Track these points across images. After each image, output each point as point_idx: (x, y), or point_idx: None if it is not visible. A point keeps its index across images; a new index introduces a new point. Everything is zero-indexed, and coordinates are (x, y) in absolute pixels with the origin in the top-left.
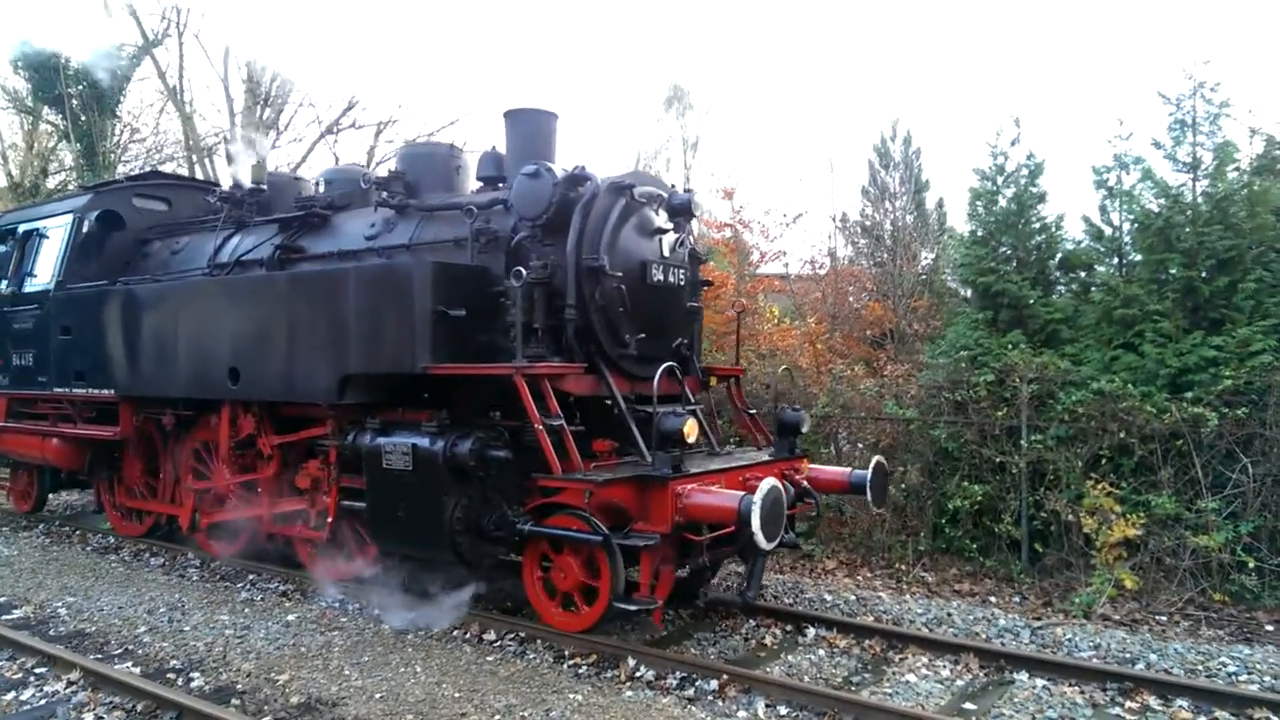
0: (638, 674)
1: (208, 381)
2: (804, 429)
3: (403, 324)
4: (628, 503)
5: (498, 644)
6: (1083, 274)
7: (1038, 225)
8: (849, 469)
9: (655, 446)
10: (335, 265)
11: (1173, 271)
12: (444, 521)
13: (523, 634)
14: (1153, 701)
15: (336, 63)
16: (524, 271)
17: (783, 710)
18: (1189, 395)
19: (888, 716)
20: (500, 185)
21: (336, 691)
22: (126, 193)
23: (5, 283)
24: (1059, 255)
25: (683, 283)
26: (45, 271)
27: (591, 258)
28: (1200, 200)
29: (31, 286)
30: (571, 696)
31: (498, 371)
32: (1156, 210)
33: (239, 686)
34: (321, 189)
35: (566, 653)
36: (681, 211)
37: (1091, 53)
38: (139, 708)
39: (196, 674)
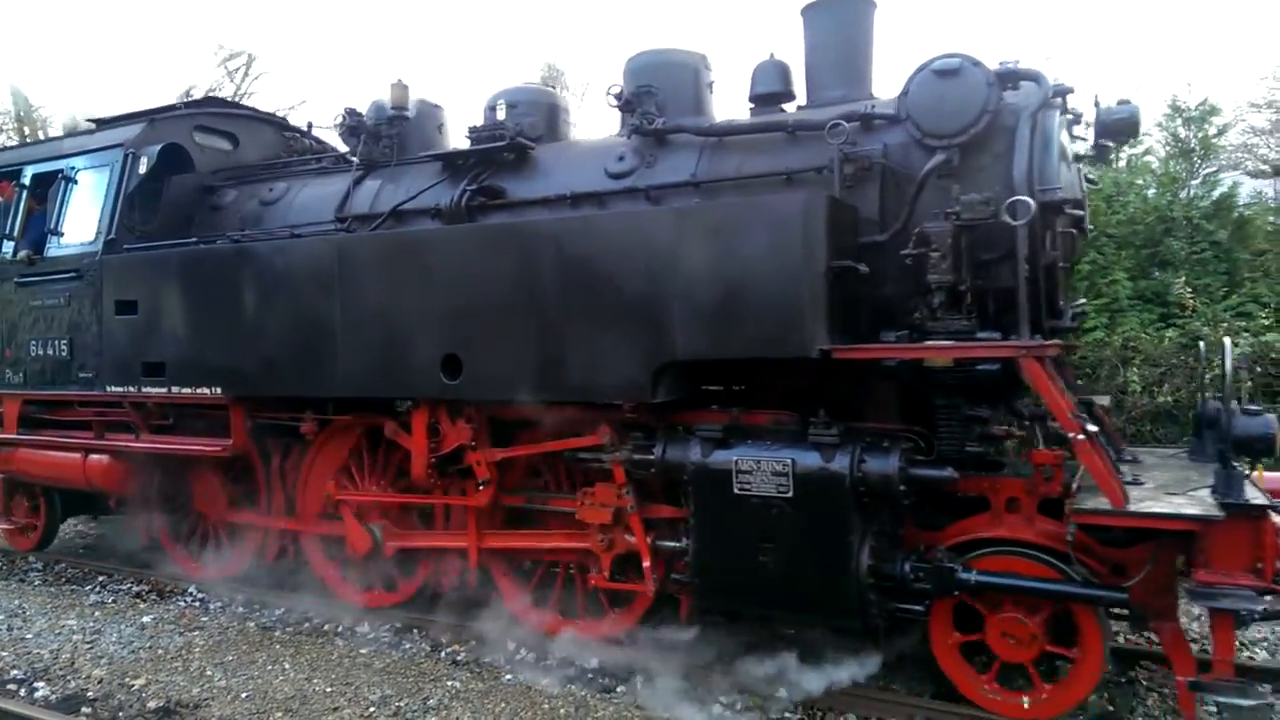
0: (518, 657)
1: (401, 376)
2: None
3: (783, 287)
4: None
5: (372, 636)
6: None
7: None
8: None
9: (1226, 457)
10: (566, 212)
11: None
12: (850, 573)
13: (398, 624)
14: None
15: None
16: (955, 210)
17: None
18: None
19: None
20: (782, 107)
21: (198, 693)
22: (186, 123)
23: (8, 245)
24: None
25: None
26: (82, 228)
27: (1049, 190)
28: None
29: (60, 249)
30: (450, 684)
31: (997, 353)
32: None
33: (89, 694)
34: (502, 114)
35: (443, 640)
36: (1123, 131)
37: None
38: None
39: (41, 683)
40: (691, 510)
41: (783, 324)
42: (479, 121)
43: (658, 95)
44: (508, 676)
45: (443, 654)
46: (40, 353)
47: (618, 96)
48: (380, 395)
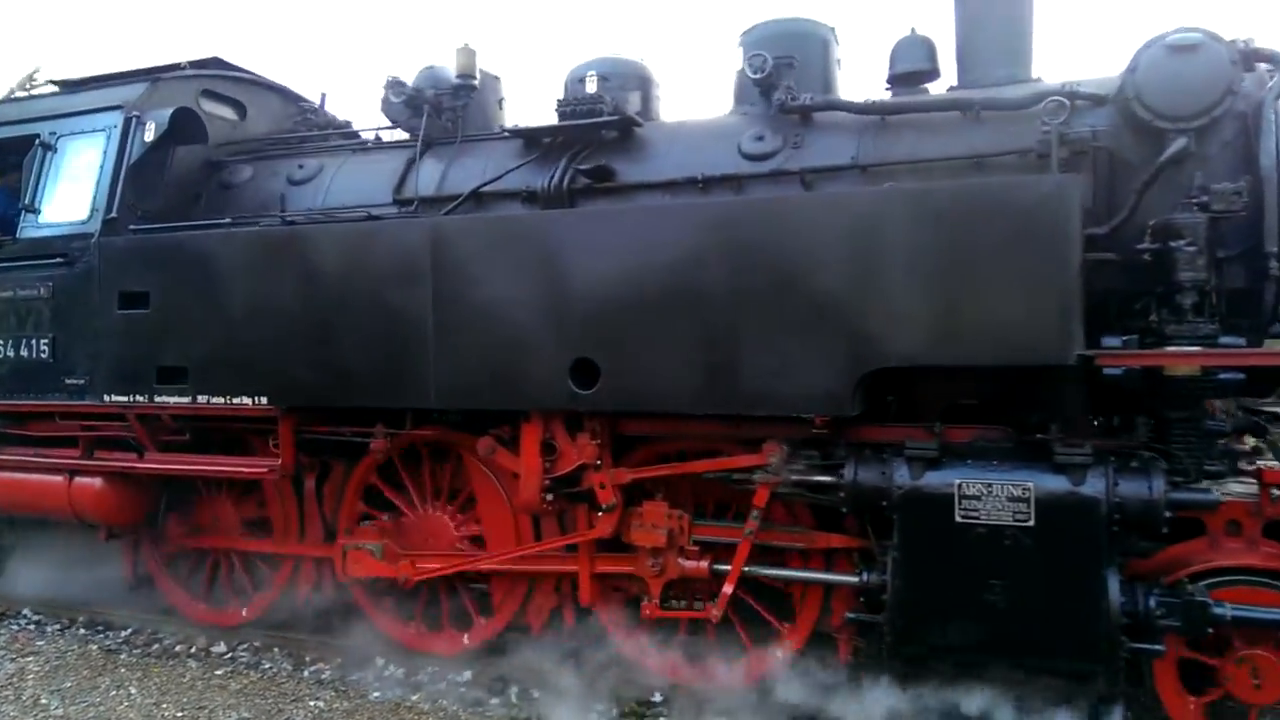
0: (386, 673)
1: (517, 385)
2: None
3: (1032, 283)
4: None
5: (228, 656)
6: None
7: None
8: None
9: None
10: (695, 197)
11: None
12: (1101, 613)
13: (257, 644)
14: None
15: None
16: (1203, 200)
17: None
18: None
19: None
20: (923, 86)
21: None
22: (192, 86)
23: None
24: None
25: None
26: (68, 205)
27: None
28: None
29: (38, 229)
30: (313, 704)
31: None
32: None
33: None
34: (593, 86)
35: (307, 658)
36: None
37: None
38: None
39: None
40: (895, 541)
41: (1031, 326)
42: None
43: (796, 69)
44: (375, 694)
45: (305, 673)
46: (8, 354)
47: (758, 69)
48: (488, 407)
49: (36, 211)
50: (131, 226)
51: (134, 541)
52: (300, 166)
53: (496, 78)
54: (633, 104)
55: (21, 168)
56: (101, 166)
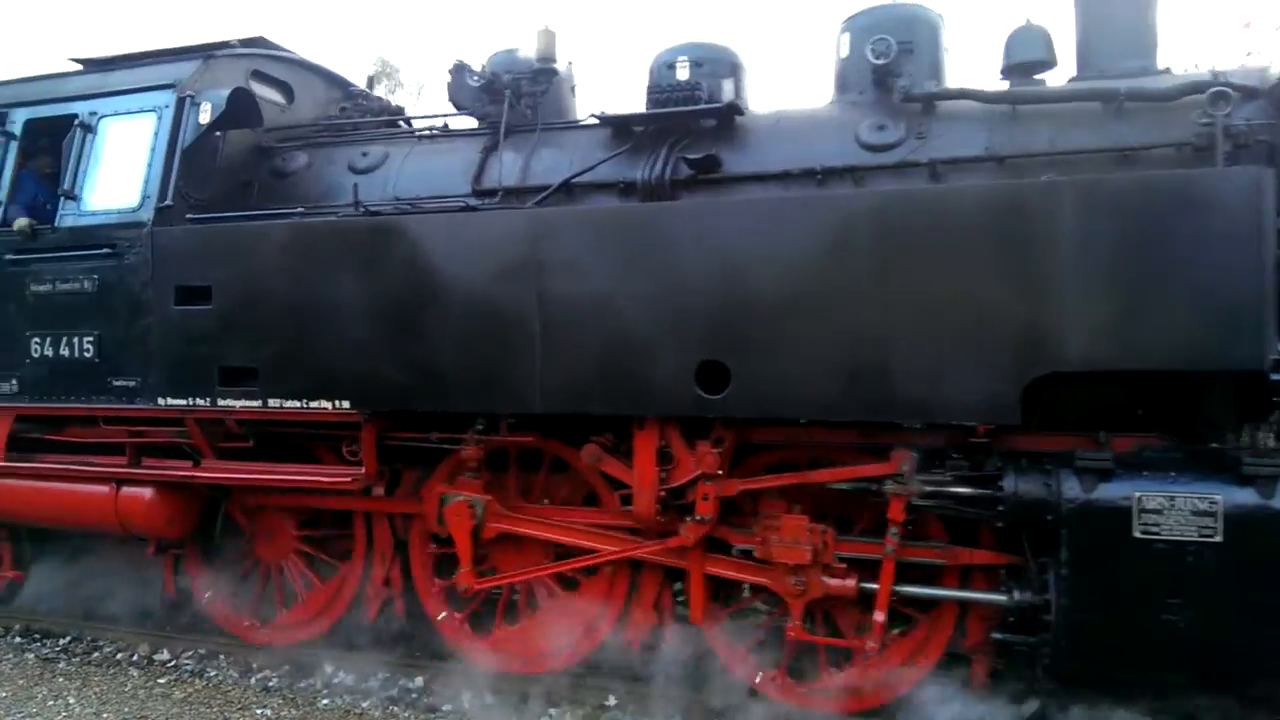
0: (335, 680)
1: (636, 389)
2: None
3: (1225, 282)
4: None
5: (172, 664)
6: None
7: None
8: None
9: None
10: (812, 190)
11: None
12: None
13: (202, 651)
14: None
15: None
16: None
17: None
18: None
19: None
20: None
21: None
22: (243, 65)
23: None
24: None
25: None
26: (113, 191)
27: None
28: None
29: (80, 218)
30: (260, 712)
31: None
32: None
33: None
34: (684, 73)
35: (254, 665)
36: None
37: None
38: None
39: None
40: (1063, 557)
41: (1221, 329)
42: None
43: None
44: (324, 701)
45: (252, 679)
46: (45, 353)
47: (882, 54)
48: (601, 412)
49: (77, 198)
50: (189, 215)
51: (175, 556)
52: (364, 154)
53: (569, 63)
54: (726, 91)
55: (49, 151)
56: (153, 149)
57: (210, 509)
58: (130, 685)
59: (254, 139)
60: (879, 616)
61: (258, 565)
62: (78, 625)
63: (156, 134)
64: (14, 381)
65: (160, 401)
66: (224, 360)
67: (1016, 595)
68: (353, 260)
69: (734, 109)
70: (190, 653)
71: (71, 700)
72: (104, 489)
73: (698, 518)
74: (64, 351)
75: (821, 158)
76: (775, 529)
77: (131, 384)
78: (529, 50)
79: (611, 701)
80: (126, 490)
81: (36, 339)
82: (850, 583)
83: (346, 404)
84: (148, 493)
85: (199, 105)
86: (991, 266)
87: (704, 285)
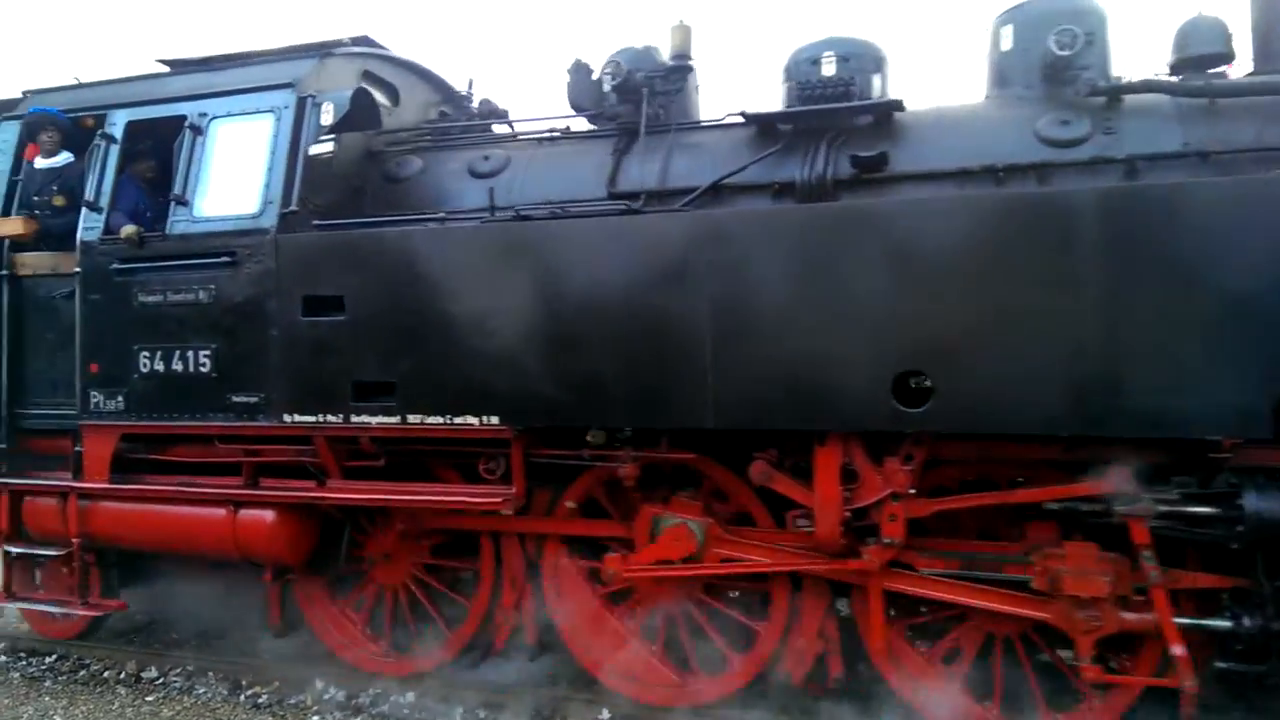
0: (326, 696)
1: (823, 402)
2: None
3: None
4: None
5: (160, 681)
6: None
7: None
8: None
9: None
10: (988, 188)
11: None
12: None
13: (190, 667)
14: None
15: None
16: None
17: None
18: None
19: None
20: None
21: None
22: (355, 65)
23: (93, 219)
24: None
25: None
26: (229, 196)
27: None
28: None
29: (191, 224)
30: None
31: None
32: None
33: None
34: (831, 68)
35: (244, 682)
36: None
37: None
38: None
39: None
40: None
41: None
42: None
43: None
44: (315, 718)
45: (242, 697)
46: (156, 368)
47: (1067, 45)
48: (784, 427)
49: (188, 204)
50: (315, 222)
51: (284, 582)
52: (485, 158)
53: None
54: (876, 86)
55: (149, 155)
56: (273, 152)
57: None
58: (118, 703)
59: (364, 143)
60: (1177, 650)
61: (371, 590)
62: (64, 644)
63: (276, 136)
64: (120, 398)
65: (286, 418)
66: (358, 374)
67: (1247, 622)
68: (503, 267)
69: (892, 105)
70: (178, 670)
71: (58, 719)
72: (221, 512)
73: (885, 540)
74: (176, 366)
75: (999, 154)
76: (1059, 557)
77: (253, 400)
78: (663, 47)
79: (605, 715)
80: (245, 513)
81: (145, 353)
82: (1150, 616)
83: (495, 420)
84: (269, 515)
85: (320, 106)
86: (1243, 265)
87: (902, 290)
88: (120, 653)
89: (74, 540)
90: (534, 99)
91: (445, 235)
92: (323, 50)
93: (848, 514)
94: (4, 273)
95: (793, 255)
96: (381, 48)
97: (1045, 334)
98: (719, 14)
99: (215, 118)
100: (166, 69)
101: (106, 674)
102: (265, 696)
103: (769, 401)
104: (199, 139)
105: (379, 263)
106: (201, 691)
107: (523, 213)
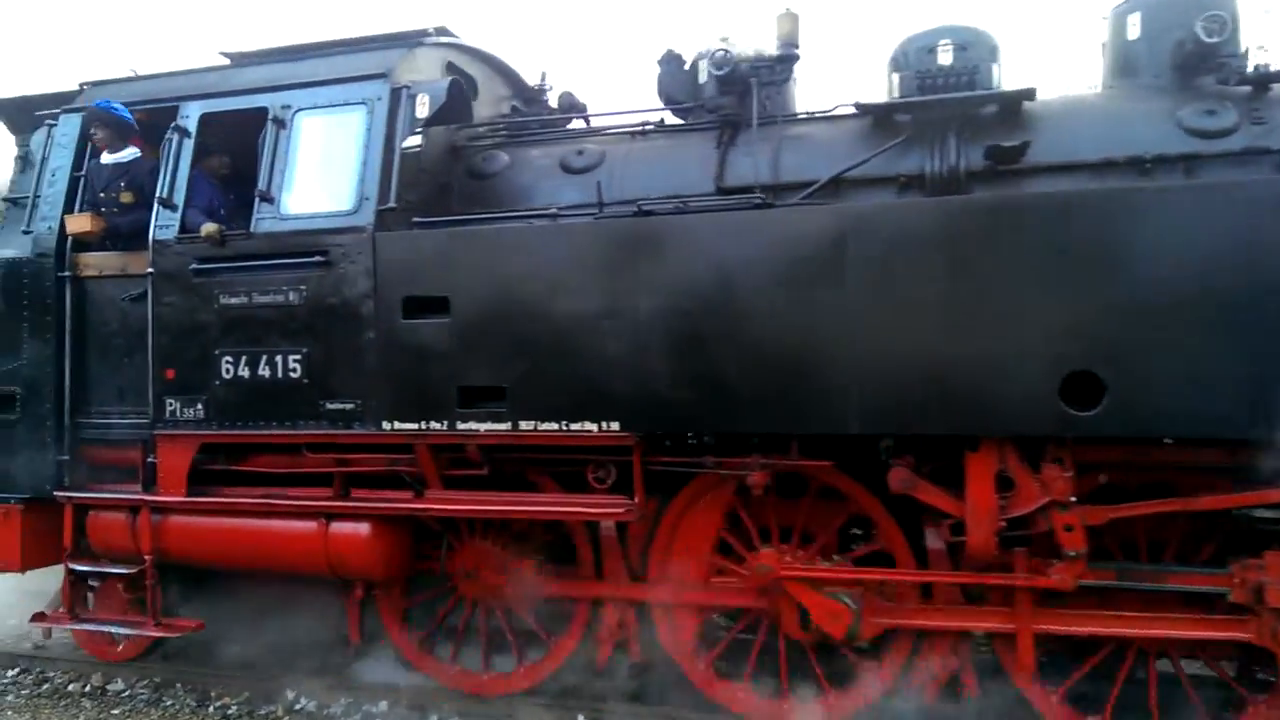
0: (297, 707)
1: (983, 405)
2: None
3: None
4: None
5: (126, 694)
6: None
7: None
8: None
9: None
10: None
11: None
12: None
13: (158, 679)
14: None
15: None
16: None
17: None
18: None
19: None
20: None
21: None
22: (439, 56)
23: (168, 216)
24: None
25: None
26: (320, 192)
27: None
28: None
29: (279, 222)
30: None
31: None
32: None
33: None
34: (948, 58)
35: (213, 693)
36: None
37: None
38: None
39: None
40: None
41: None
42: None
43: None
44: None
45: (211, 708)
46: (240, 373)
47: (1215, 32)
48: (937, 432)
49: (273, 200)
50: (416, 219)
51: (362, 598)
52: (579, 152)
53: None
54: (995, 76)
55: (222, 149)
56: (367, 146)
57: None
58: (83, 717)
59: (448, 138)
60: None
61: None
62: (28, 657)
63: (370, 129)
64: (199, 406)
65: (386, 426)
66: (464, 379)
67: None
68: (626, 264)
69: (1022, 95)
70: (145, 682)
71: None
72: (311, 525)
73: (1070, 553)
74: (263, 371)
75: (1142, 145)
76: (1258, 568)
77: (349, 407)
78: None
79: None
80: (338, 526)
81: (228, 358)
82: None
83: (616, 425)
84: (364, 529)
85: (415, 98)
86: None
87: (1072, 285)
88: (85, 665)
89: (146, 557)
90: (589, 92)
91: (564, 232)
92: (411, 40)
93: (1002, 524)
94: (66, 274)
95: (950, 249)
96: (458, 39)
97: (1241, 330)
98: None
99: (300, 110)
100: (228, 61)
101: (71, 687)
102: (235, 708)
103: (920, 404)
104: (282, 132)
105: (489, 261)
106: (169, 703)
107: (645, 207)
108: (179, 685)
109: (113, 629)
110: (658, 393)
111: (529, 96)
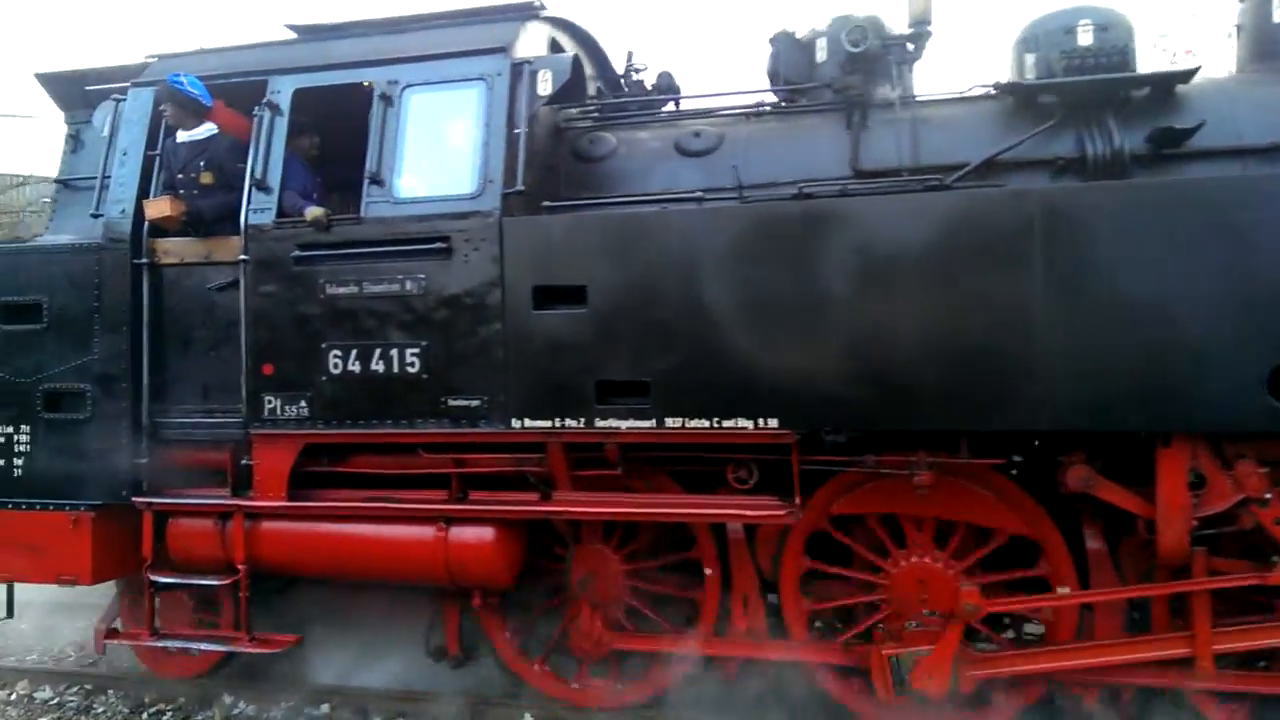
0: (235, 711)
1: (1174, 398)
2: None
3: None
4: None
5: (55, 701)
6: None
7: None
8: None
9: None
10: None
11: None
12: None
13: (89, 686)
14: None
15: None
16: None
17: None
18: None
19: None
20: None
21: None
22: (545, 31)
23: (262, 199)
24: None
25: None
26: (436, 175)
27: None
28: None
29: (392, 206)
30: None
31: None
32: None
33: None
34: (1088, 38)
35: (146, 700)
36: None
37: None
38: None
39: None
40: None
41: None
42: None
43: None
44: None
45: (144, 715)
46: (350, 368)
47: None
48: (1134, 427)
49: (383, 183)
50: (546, 203)
51: (460, 606)
52: (696, 135)
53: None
54: (1134, 59)
55: (311, 130)
56: (486, 125)
57: None
58: None
59: (553, 118)
60: None
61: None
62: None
63: (490, 106)
64: (302, 404)
65: (515, 424)
66: (603, 373)
67: None
68: (784, 252)
69: (1177, 77)
70: (75, 689)
71: None
72: (428, 531)
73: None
74: (376, 366)
75: None
76: None
77: (474, 404)
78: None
79: None
80: (459, 531)
81: (336, 352)
82: None
83: (774, 423)
84: (488, 533)
85: (536, 74)
86: None
87: None
88: (10, 672)
89: (240, 567)
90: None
91: (715, 216)
92: (525, 13)
93: (1195, 522)
94: (144, 261)
95: (1158, 234)
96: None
97: None
98: None
99: (409, 85)
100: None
101: None
102: (170, 714)
103: (1115, 399)
104: (390, 110)
105: (631, 249)
106: (100, 710)
107: (806, 190)
108: (110, 692)
109: (201, 646)
110: (822, 388)
111: (611, 78)
